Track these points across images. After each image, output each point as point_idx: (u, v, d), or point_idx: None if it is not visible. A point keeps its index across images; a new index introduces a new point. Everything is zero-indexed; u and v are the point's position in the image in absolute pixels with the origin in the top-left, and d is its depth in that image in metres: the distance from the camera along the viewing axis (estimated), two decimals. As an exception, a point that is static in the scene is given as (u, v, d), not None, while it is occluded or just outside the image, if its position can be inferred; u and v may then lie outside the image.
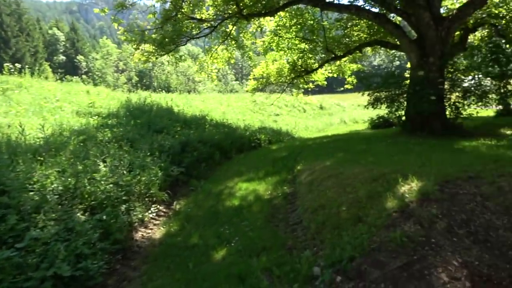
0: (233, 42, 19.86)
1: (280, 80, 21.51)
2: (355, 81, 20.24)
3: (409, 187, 5.10)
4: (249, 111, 26.83)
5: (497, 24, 16.52)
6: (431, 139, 10.51)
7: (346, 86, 20.55)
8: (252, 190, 7.77)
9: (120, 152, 8.38)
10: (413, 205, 4.69)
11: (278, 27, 19.13)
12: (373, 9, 13.75)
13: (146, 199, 7.42)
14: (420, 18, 11.86)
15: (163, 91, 33.08)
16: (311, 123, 27.66)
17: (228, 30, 18.61)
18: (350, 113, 34.12)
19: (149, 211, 7.25)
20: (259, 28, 20.47)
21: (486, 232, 4.24)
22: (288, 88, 25.63)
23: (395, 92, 12.48)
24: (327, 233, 4.84)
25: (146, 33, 15.35)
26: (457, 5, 14.71)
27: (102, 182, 6.31)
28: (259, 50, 21.51)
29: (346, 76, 20.40)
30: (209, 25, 17.37)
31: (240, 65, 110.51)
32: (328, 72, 21.85)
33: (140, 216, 6.70)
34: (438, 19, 12.17)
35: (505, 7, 16.76)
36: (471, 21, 16.19)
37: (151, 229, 6.71)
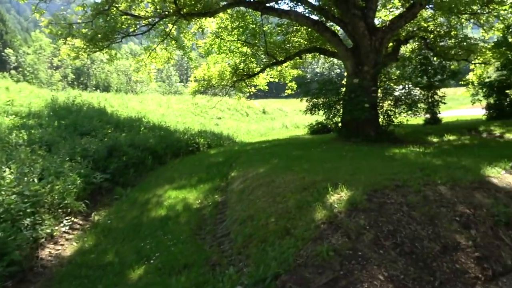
0: (173, 42, 19.13)
1: (222, 83, 21.10)
2: (295, 86, 20.42)
3: (339, 197, 4.94)
4: (190, 113, 26.12)
5: (426, 37, 17.56)
6: (364, 145, 10.72)
7: (287, 91, 20.65)
8: (181, 199, 7.26)
9: (33, 156, 7.45)
10: (342, 215, 4.51)
11: (220, 29, 18.75)
12: (313, 16, 13.87)
13: (60, 210, 6.59)
14: (355, 27, 12.13)
15: (101, 90, 31.18)
16: (254, 127, 27.58)
17: (167, 29, 17.88)
18: (292, 118, 34.63)
19: (61, 224, 6.44)
20: (201, 29, 19.97)
21: (412, 243, 4.16)
22: (232, 91, 25.37)
23: (332, 98, 12.64)
24: (253, 247, 4.51)
25: (73, 26, 14.13)
26: (390, 17, 15.33)
27: (3, 192, 5.45)
28: (200, 52, 20.97)
29: (287, 82, 20.50)
30: (146, 22, 16.52)
31: (186, 67, 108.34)
32: (270, 77, 21.90)
33: (48, 230, 5.89)
34: (373, 30, 12.57)
35: (433, 22, 17.90)
36: (403, 34, 17.05)
37: (61, 245, 5.94)
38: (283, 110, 39.28)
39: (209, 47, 19.68)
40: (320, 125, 18.30)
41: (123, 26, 15.91)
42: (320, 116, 15.05)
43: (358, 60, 12.65)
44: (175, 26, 18.03)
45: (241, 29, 18.08)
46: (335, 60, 20.38)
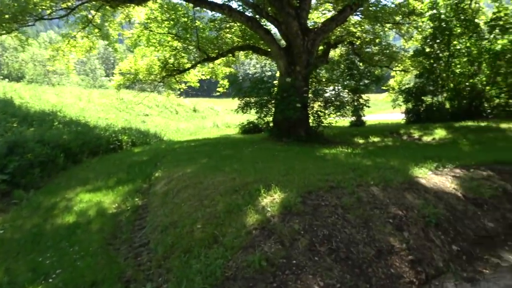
0: (96, 30, 17.52)
1: (150, 78, 19.88)
2: (227, 84, 19.97)
3: (272, 199, 4.56)
4: (114, 109, 24.30)
5: (353, 42, 18.24)
6: (296, 145, 10.61)
7: (219, 89, 20.08)
8: (95, 203, 6.36)
9: None
10: (275, 220, 4.13)
11: (149, 20, 17.59)
12: (247, 13, 13.51)
13: None
14: (289, 26, 12.02)
15: (11, 80, 27.71)
16: (183, 126, 26.56)
17: (90, 16, 16.31)
18: (224, 117, 34.08)
19: None
20: (128, 19, 18.60)
21: (347, 248, 3.91)
22: (161, 88, 24.05)
23: (264, 97, 12.40)
24: (176, 259, 3.92)
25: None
26: (322, 19, 15.58)
27: None
28: (127, 43, 19.54)
29: (219, 79, 19.95)
30: (65, 6, 14.85)
31: (112, 61, 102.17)
32: (201, 74, 21.18)
33: None
34: (305, 30, 12.57)
35: (359, 28, 18.67)
36: (333, 38, 17.53)
37: None
38: (214, 109, 38.57)
39: (137, 38, 18.38)
40: (251, 125, 18.07)
41: (36, 7, 14.11)
42: (251, 116, 14.79)
43: (291, 60, 12.57)
44: (98, 13, 16.53)
45: (172, 22, 17.15)
46: (268, 61, 20.35)
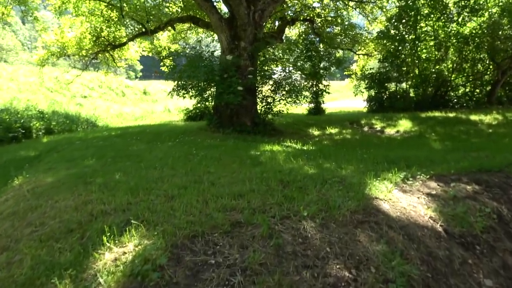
0: (9, -8, 14.55)
1: (81, 53, 17.06)
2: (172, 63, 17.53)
3: (117, 256, 2.49)
4: (45, 89, 21.18)
5: (313, 20, 16.29)
6: (233, 139, 8.61)
7: (162, 68, 17.59)
8: None
9: None
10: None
11: (75, -16, 14.80)
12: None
13: None
14: (230, -10, 9.84)
15: None
16: (129, 110, 23.85)
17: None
18: (178, 101, 31.41)
19: None
20: (48, -21, 15.67)
21: None
22: (99, 65, 21.09)
23: (201, 78, 10.18)
24: None
25: None
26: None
27: None
28: (50, 10, 16.53)
29: (162, 58, 17.44)
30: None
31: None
32: (142, 50, 18.58)
33: None
34: (252, -1, 10.44)
35: (321, 5, 16.75)
36: (290, 14, 15.49)
37: None
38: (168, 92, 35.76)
39: (61, 5, 15.48)
40: (198, 110, 15.82)
41: None
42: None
43: (234, 34, 10.43)
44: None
45: (104, -14, 14.47)
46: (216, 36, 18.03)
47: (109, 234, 2.69)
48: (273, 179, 4.12)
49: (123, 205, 3.28)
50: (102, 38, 16.26)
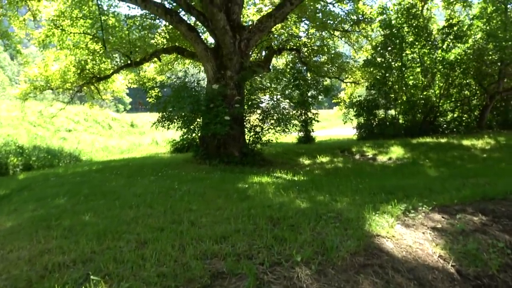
0: (-8, 27, 14.39)
1: (65, 86, 16.75)
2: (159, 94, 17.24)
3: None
4: (27, 124, 20.64)
5: (300, 50, 16.33)
6: (220, 170, 8.19)
7: (149, 100, 17.27)
8: None
9: None
10: None
11: (59, 17, 14.66)
12: (167, 5, 11.07)
13: None
14: (214, 19, 9.70)
15: None
16: (115, 143, 23.30)
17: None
18: (166, 132, 30.99)
19: None
20: (32, 16, 15.54)
21: None
22: (109, 102, 20.67)
23: (187, 109, 9.85)
24: None
25: None
26: (258, 16, 13.39)
27: None
28: (33, 44, 16.29)
29: (148, 89, 17.14)
30: None
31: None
32: (129, 82, 18.34)
33: None
34: (238, 28, 10.32)
35: (306, 35, 16.88)
36: (277, 44, 15.50)
37: None
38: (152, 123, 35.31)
39: (45, 38, 15.27)
40: (185, 142, 15.39)
41: None
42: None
43: (220, 63, 10.23)
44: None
45: (89, 20, 14.34)
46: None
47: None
48: (262, 216, 3.69)
49: (85, 255, 2.80)
50: (87, 71, 16.02)
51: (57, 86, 16.56)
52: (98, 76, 16.14)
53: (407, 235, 3.44)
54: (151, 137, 27.47)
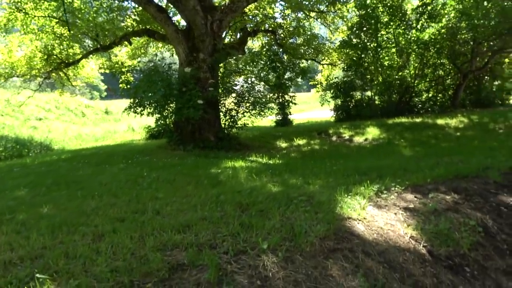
0: None
1: (32, 73, 15.94)
2: (131, 79, 16.71)
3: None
4: (-6, 113, 19.73)
5: (275, 31, 16.03)
6: (194, 156, 7.99)
7: (120, 85, 16.71)
8: None
9: None
10: None
11: (21, 0, 13.82)
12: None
13: None
14: (186, 0, 9.31)
15: None
16: (89, 131, 22.59)
17: None
18: (143, 119, 30.30)
19: None
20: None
21: None
22: (82, 89, 19.84)
23: (158, 94, 9.49)
24: None
25: None
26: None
27: None
28: (-6, 29, 15.36)
29: (119, 74, 16.56)
30: None
31: None
32: (100, 68, 17.64)
33: None
34: (209, 9, 9.96)
35: (282, 16, 16.58)
36: (251, 26, 15.14)
37: None
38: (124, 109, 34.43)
39: (7, 23, 14.40)
40: (160, 128, 15.02)
41: None
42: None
43: (192, 45, 9.88)
44: None
45: (53, 2, 13.57)
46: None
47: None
48: (231, 203, 3.53)
49: (35, 251, 2.58)
50: (54, 56, 15.28)
51: (23, 73, 15.74)
52: (66, 61, 15.42)
53: (379, 216, 3.35)
54: (127, 124, 26.80)
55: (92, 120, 26.87)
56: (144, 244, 2.60)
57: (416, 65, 16.06)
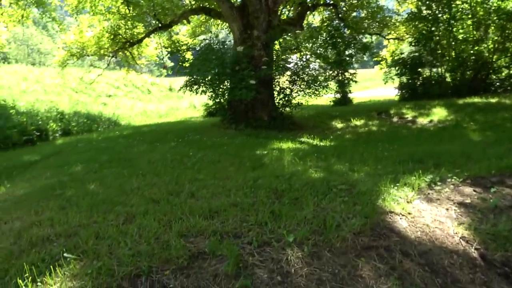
0: (26, -7, 14.59)
1: (100, 53, 16.95)
2: (191, 57, 17.03)
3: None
4: (70, 90, 21.42)
5: (337, 5, 15.21)
6: (245, 135, 7.98)
7: (180, 63, 17.13)
8: None
9: None
10: None
11: (91, -19, 14.61)
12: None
13: None
14: (240, -25, 9.12)
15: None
16: (153, 107, 23.73)
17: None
18: (204, 96, 31.06)
19: None
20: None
21: None
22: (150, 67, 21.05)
23: (212, 72, 9.53)
24: None
25: None
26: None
27: None
28: (66, 11, 16.45)
29: (182, 53, 16.95)
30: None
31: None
32: (161, 46, 18.23)
33: None
34: (265, -17, 9.67)
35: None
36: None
37: None
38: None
39: (78, 4, 15.34)
40: (217, 106, 15.24)
41: None
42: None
43: (246, 22, 9.72)
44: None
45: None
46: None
47: (32, 273, 2.10)
48: (266, 188, 3.42)
49: (71, 229, 2.71)
50: (120, 36, 16.03)
51: (93, 52, 16.78)
52: (131, 41, 16.12)
53: (427, 211, 3.03)
54: (188, 101, 27.69)
55: (157, 97, 28.14)
56: (170, 229, 2.60)
57: (496, 38, 14.31)
